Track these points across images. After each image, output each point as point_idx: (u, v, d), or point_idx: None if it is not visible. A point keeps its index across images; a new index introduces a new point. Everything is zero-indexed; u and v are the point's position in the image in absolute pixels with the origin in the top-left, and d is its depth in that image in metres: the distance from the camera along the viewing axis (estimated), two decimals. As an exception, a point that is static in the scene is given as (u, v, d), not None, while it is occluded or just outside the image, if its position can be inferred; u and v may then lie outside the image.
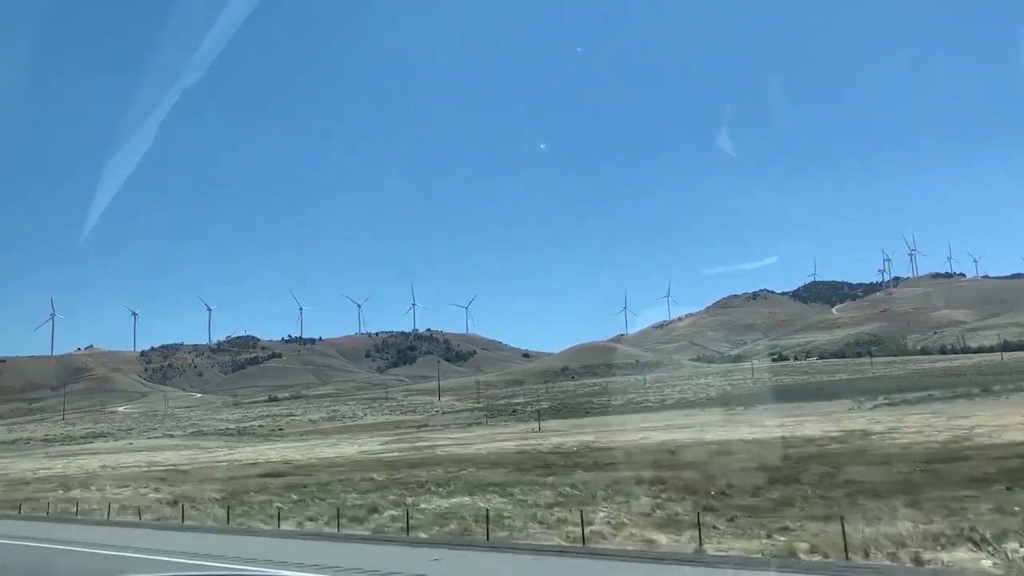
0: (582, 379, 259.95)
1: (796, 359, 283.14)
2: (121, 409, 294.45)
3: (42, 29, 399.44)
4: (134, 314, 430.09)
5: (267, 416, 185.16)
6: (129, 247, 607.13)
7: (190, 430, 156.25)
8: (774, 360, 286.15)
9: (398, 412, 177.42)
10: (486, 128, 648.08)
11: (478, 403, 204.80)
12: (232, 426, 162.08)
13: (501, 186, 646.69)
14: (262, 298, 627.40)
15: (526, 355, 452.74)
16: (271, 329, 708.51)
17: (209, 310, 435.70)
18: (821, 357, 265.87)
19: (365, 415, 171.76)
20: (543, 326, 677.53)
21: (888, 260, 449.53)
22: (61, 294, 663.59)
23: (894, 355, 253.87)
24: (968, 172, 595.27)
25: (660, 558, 18.68)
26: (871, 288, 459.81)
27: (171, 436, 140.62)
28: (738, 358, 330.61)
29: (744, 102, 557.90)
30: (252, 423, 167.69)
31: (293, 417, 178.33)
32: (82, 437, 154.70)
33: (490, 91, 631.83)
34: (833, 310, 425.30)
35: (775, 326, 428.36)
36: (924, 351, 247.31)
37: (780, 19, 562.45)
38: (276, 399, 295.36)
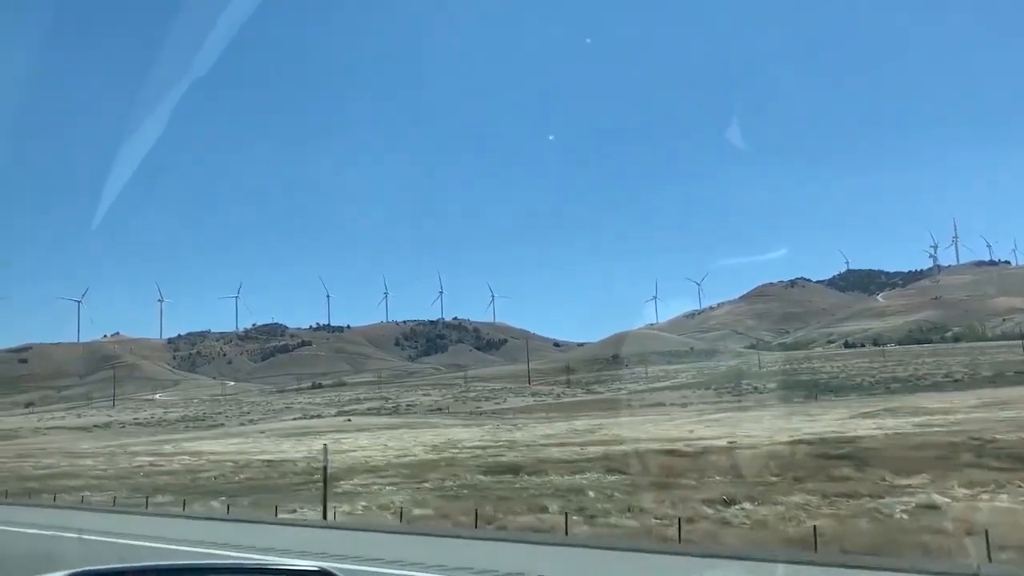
0: (635, 367, 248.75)
1: (863, 346, 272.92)
2: (157, 396, 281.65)
3: (54, 15, 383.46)
4: (160, 301, 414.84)
5: (370, 399, 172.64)
6: (154, 234, 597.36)
7: (317, 413, 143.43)
8: (846, 347, 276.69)
9: (525, 396, 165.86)
10: (497, 119, 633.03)
11: (567, 388, 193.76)
12: (349, 407, 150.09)
13: (517, 178, 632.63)
14: (287, 285, 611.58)
15: (556, 344, 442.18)
16: (297, 317, 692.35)
17: (236, 297, 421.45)
18: (900, 343, 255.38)
19: (493, 400, 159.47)
20: (562, 315, 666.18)
21: (935, 247, 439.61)
22: (84, 281, 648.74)
23: (973, 341, 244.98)
24: (1006, 158, 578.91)
25: None
26: (910, 276, 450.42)
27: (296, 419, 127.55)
28: (796, 345, 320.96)
29: (763, 90, 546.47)
30: (358, 406, 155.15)
31: (386, 401, 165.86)
32: (177, 421, 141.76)
33: (502, 83, 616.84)
34: (879, 298, 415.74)
35: (816, 314, 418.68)
36: (1021, 337, 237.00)
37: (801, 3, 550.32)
38: (320, 386, 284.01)
